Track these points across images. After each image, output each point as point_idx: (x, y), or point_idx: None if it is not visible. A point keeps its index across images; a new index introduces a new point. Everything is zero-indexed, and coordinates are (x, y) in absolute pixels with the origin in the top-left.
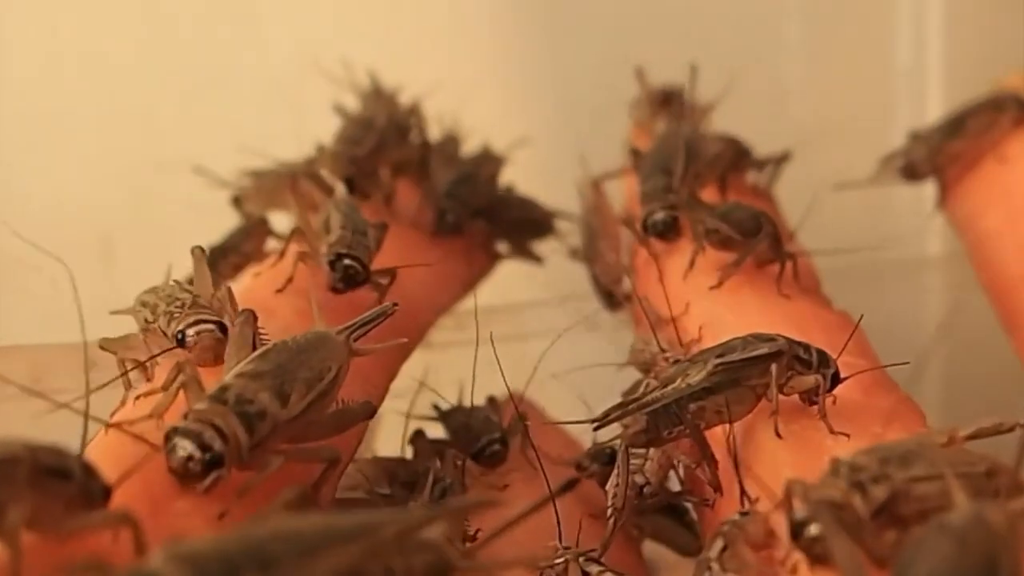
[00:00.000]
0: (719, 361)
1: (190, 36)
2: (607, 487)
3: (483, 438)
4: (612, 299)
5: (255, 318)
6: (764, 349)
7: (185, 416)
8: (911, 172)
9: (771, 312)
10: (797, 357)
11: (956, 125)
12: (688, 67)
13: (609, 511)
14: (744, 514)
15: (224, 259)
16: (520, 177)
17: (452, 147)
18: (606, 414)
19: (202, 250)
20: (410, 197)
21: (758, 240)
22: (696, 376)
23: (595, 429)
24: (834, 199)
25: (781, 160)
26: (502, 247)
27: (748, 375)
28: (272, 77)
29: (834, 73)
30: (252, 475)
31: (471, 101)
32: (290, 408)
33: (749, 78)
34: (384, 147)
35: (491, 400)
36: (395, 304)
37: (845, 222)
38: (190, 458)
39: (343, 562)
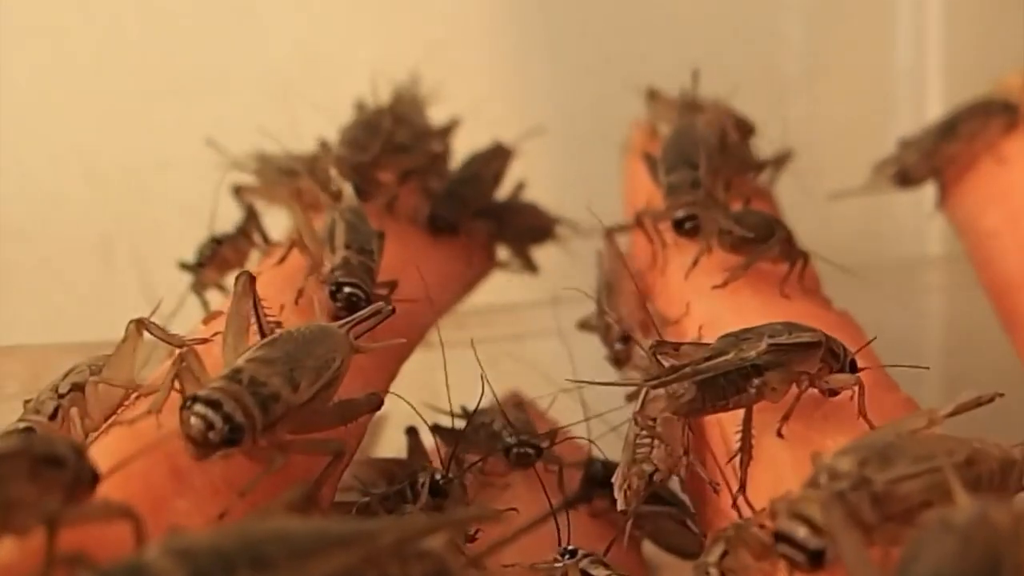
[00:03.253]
0: (772, 342)
1: (190, 36)
2: (613, 479)
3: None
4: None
5: (253, 281)
6: (807, 337)
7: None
8: (904, 178)
9: (772, 312)
10: (831, 351)
11: (947, 130)
12: (687, 67)
13: (619, 503)
14: (743, 521)
15: (213, 258)
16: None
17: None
18: (660, 376)
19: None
20: (412, 197)
21: (769, 246)
22: (750, 351)
23: (651, 389)
24: (834, 200)
25: (782, 161)
26: (502, 253)
27: (791, 360)
28: (273, 77)
29: (834, 73)
30: (254, 474)
31: (469, 102)
32: (300, 394)
33: (749, 78)
34: (389, 152)
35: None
36: (391, 306)
37: (845, 222)
38: (211, 427)
39: (337, 567)
